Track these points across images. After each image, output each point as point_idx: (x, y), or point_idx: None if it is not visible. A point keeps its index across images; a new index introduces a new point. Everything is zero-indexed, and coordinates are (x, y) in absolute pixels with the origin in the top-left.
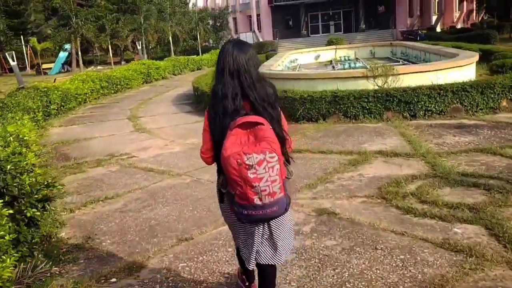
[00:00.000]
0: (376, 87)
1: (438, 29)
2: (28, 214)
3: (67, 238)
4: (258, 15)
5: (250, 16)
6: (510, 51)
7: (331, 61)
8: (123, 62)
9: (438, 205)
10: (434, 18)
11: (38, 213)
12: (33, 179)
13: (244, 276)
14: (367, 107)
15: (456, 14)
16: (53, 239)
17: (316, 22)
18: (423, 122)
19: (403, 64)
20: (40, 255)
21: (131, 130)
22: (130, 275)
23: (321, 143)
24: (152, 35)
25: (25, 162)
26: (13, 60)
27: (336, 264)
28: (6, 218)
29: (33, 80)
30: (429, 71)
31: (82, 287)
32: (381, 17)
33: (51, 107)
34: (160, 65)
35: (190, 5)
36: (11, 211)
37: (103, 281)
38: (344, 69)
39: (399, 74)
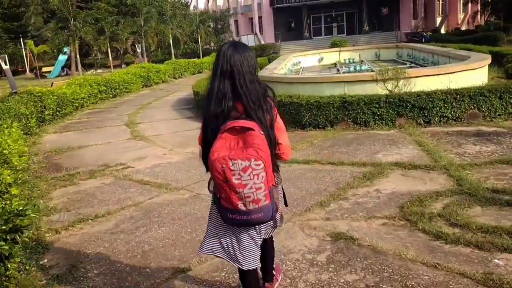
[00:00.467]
0: (386, 91)
1: (443, 31)
2: None
3: (49, 266)
4: (259, 17)
5: (251, 18)
6: None
7: (335, 63)
8: (123, 65)
9: (471, 229)
10: (438, 20)
11: (7, 247)
12: (5, 203)
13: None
14: (378, 113)
15: (461, 16)
16: (33, 268)
17: (319, 24)
18: (439, 129)
19: (411, 67)
20: None
21: (128, 138)
22: None
23: (331, 152)
24: (152, 38)
25: None
26: (5, 64)
27: None
28: None
29: (31, 84)
30: (441, 74)
31: None
32: (385, 19)
33: (46, 112)
34: (160, 68)
35: (191, 7)
36: None
37: None
38: (349, 72)
39: (411, 77)
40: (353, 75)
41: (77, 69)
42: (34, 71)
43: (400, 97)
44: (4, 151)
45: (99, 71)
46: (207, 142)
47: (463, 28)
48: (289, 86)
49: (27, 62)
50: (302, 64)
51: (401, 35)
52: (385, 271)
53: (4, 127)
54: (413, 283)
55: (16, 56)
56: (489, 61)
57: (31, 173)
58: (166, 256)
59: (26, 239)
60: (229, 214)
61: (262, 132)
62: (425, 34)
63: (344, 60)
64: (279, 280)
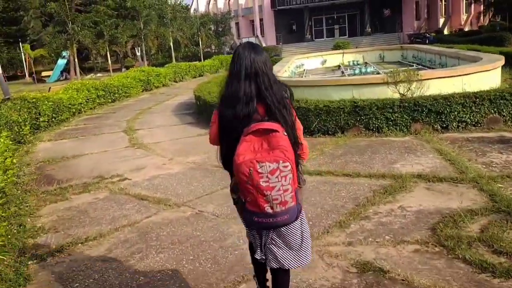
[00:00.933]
0: (397, 95)
1: (446, 32)
2: None
3: None
4: (261, 20)
5: (252, 21)
6: None
7: (339, 66)
8: (123, 69)
9: None
10: (441, 21)
11: None
12: None
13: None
14: (392, 118)
15: (464, 17)
16: None
17: (320, 26)
18: (458, 136)
19: (418, 69)
20: None
21: (125, 146)
22: None
23: (344, 162)
24: (153, 41)
25: None
26: None
27: None
28: None
29: (28, 89)
30: (455, 76)
31: None
32: (387, 21)
33: (41, 119)
34: (161, 72)
35: (192, 10)
36: None
37: None
38: (355, 74)
39: (424, 79)
40: (362, 77)
41: (76, 73)
42: (33, 76)
43: (416, 101)
44: None
45: (99, 75)
46: (226, 143)
47: (466, 29)
48: (294, 89)
49: (26, 66)
50: (305, 67)
51: (403, 36)
52: None
53: None
54: None
55: (15, 60)
56: (503, 62)
57: (21, 187)
58: None
59: None
60: (254, 217)
61: (285, 133)
62: (428, 35)
63: (348, 62)
64: None
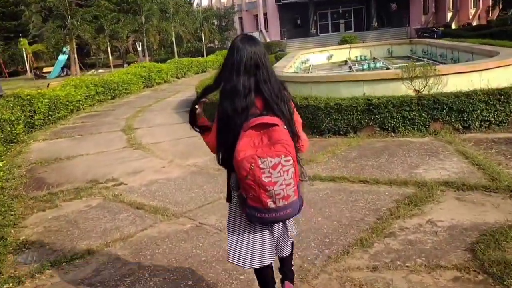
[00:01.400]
0: (411, 91)
1: (454, 27)
2: None
3: None
4: (265, 14)
5: (256, 16)
6: None
7: (345, 61)
8: (125, 65)
9: None
10: (449, 15)
11: None
12: None
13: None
14: (409, 117)
15: (472, 11)
16: None
17: (326, 20)
18: (482, 136)
19: (434, 64)
20: None
21: (123, 146)
22: None
23: (359, 166)
24: (154, 36)
25: None
26: None
27: None
28: None
29: (28, 85)
30: (473, 71)
31: None
32: (394, 15)
33: (36, 117)
34: (162, 68)
35: (195, 4)
36: None
37: None
38: (363, 69)
39: (442, 74)
40: (374, 73)
41: (80, 68)
42: (34, 71)
43: (435, 99)
44: None
45: (100, 71)
46: (225, 144)
47: (474, 23)
48: (301, 86)
49: (27, 62)
50: (310, 62)
51: (411, 31)
52: None
53: None
54: None
55: (17, 56)
56: None
57: (8, 192)
58: None
59: None
60: (257, 213)
61: (285, 127)
62: (437, 30)
63: (356, 57)
64: None
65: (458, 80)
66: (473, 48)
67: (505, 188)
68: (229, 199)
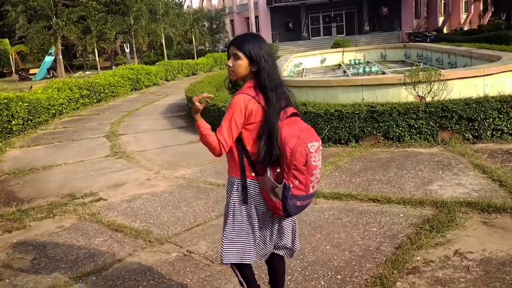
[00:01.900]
0: (412, 97)
1: (445, 31)
2: None
3: None
4: (256, 17)
5: (248, 18)
6: None
7: (339, 64)
8: (113, 67)
9: None
10: (440, 19)
11: None
12: None
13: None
14: (416, 126)
15: (463, 16)
16: None
17: (317, 24)
18: (495, 147)
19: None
20: None
21: (106, 155)
22: None
23: (366, 181)
24: (143, 38)
25: None
26: None
27: None
28: None
29: (12, 88)
30: (478, 76)
31: None
32: (386, 19)
33: (13, 122)
34: (151, 70)
35: (185, 6)
36: None
37: None
38: (358, 73)
39: (447, 79)
40: (375, 77)
41: (66, 70)
42: (19, 73)
43: (444, 106)
44: None
45: (87, 73)
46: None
47: (466, 28)
48: (296, 90)
49: (13, 63)
50: (304, 66)
51: (403, 35)
52: None
53: None
54: None
55: (2, 57)
56: None
57: None
58: None
59: None
60: (298, 202)
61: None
62: (430, 34)
63: (349, 61)
64: None
65: (462, 86)
66: (472, 53)
67: None
68: (245, 200)
